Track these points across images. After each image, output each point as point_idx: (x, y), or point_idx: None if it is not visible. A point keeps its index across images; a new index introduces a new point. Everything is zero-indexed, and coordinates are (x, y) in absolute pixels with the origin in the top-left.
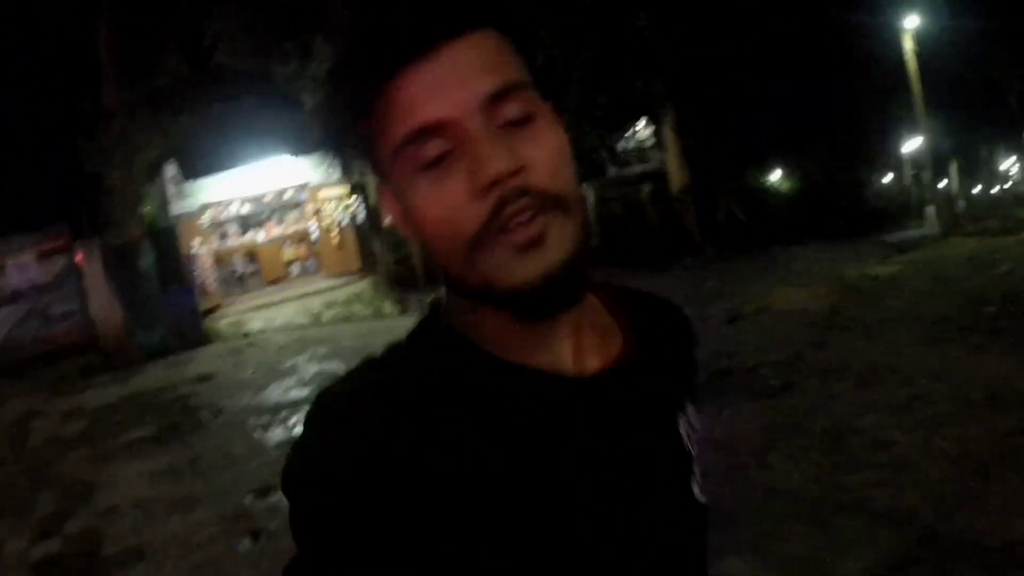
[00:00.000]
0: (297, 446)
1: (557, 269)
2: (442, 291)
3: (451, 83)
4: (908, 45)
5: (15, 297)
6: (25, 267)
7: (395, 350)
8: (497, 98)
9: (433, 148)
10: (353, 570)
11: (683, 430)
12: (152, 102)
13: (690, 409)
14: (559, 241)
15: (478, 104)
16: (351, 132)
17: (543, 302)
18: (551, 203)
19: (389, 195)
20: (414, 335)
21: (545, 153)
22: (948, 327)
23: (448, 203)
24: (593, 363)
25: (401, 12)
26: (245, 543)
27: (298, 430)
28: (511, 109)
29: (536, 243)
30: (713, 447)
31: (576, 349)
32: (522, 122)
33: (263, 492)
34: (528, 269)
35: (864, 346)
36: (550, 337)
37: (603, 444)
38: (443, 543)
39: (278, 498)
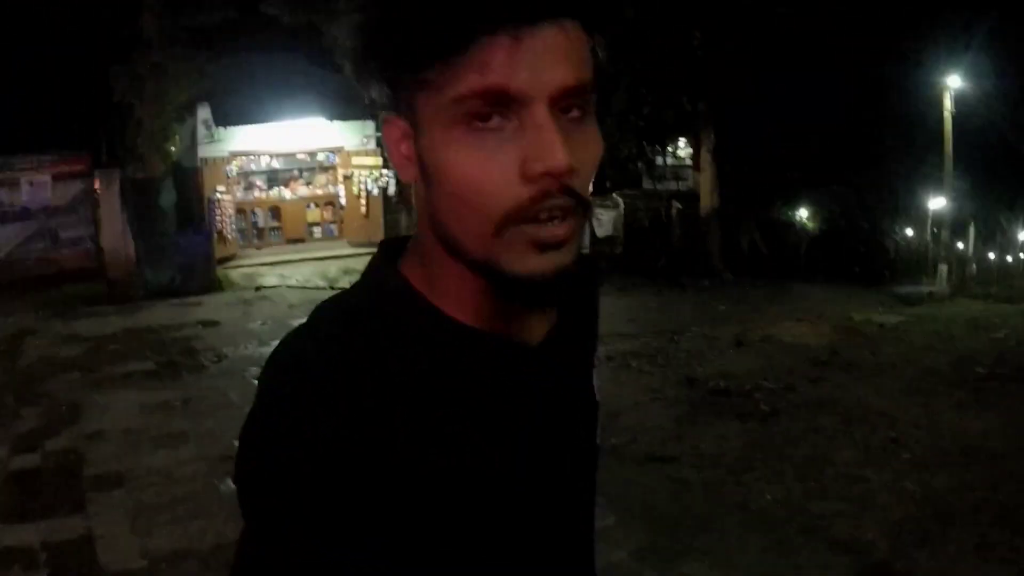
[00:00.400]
0: (266, 414)
1: (566, 270)
2: (407, 236)
3: (540, 61)
4: (947, 104)
5: (25, 214)
6: (40, 186)
7: (351, 306)
8: (570, 93)
9: (492, 111)
10: (329, 548)
11: (595, 383)
12: (193, 39)
13: (597, 360)
14: (574, 245)
15: (554, 92)
16: (410, 59)
17: (542, 294)
18: (580, 207)
19: (400, 128)
20: (370, 288)
21: (589, 159)
22: (937, 381)
23: (491, 173)
24: (540, 331)
25: None
26: (228, 484)
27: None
28: (576, 106)
29: (558, 245)
30: (697, 459)
31: (532, 320)
32: (578, 122)
33: None
34: (542, 265)
35: (855, 387)
36: (517, 309)
37: (551, 403)
38: (416, 504)
39: None
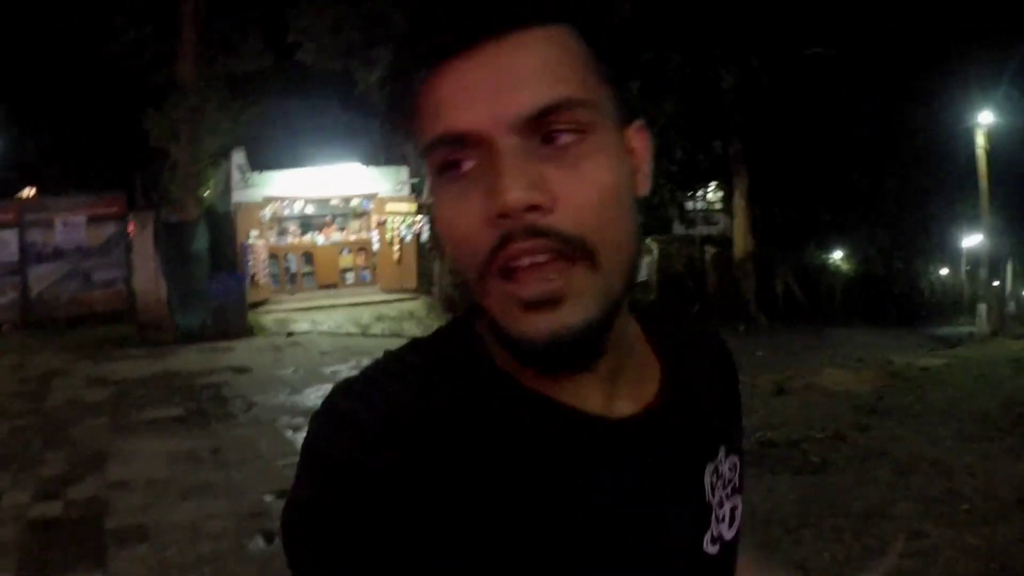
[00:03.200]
0: (309, 455)
1: (569, 334)
2: None
3: (488, 90)
4: (980, 141)
5: (58, 255)
6: (74, 227)
7: (418, 353)
8: (538, 118)
9: (458, 156)
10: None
11: (707, 480)
12: (228, 85)
13: (723, 455)
14: (579, 302)
15: (513, 121)
16: (401, 120)
17: (547, 361)
18: (574, 250)
19: None
20: (442, 339)
21: (583, 187)
22: (987, 426)
23: (464, 221)
24: (624, 405)
25: (451, 2)
26: (257, 542)
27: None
28: (559, 128)
29: (548, 303)
30: (750, 516)
31: (607, 390)
32: (566, 146)
33: (285, 494)
34: (533, 326)
35: (905, 435)
36: (580, 376)
37: (619, 491)
38: (443, 557)
39: None
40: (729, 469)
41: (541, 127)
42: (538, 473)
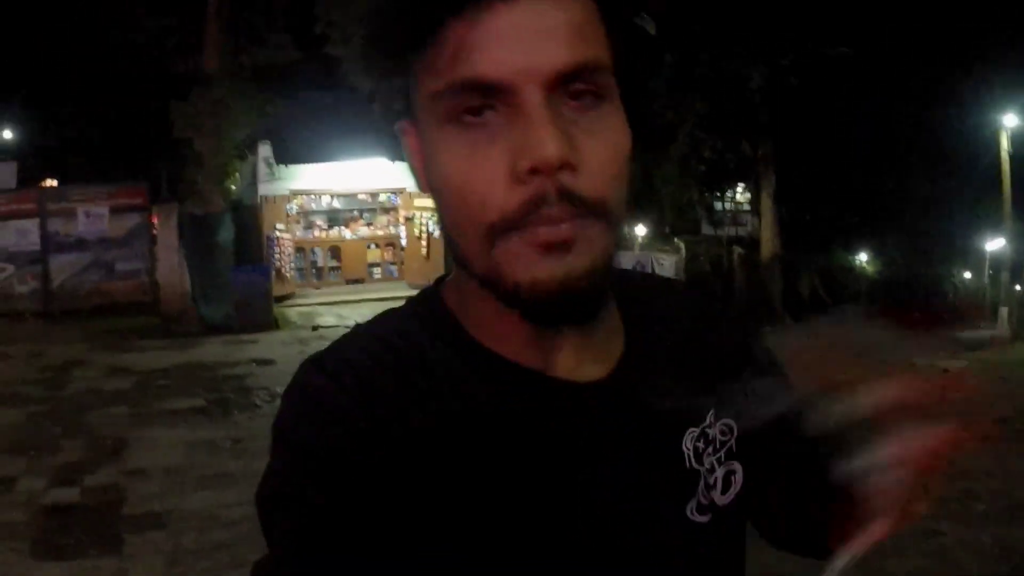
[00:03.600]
0: (278, 433)
1: (578, 277)
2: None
3: (524, 42)
4: (1004, 145)
5: (81, 245)
6: (96, 217)
7: (387, 326)
8: (571, 76)
9: (479, 104)
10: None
11: (688, 445)
12: (254, 76)
13: (712, 418)
14: (587, 249)
15: (546, 77)
16: (396, 56)
17: (554, 309)
18: (590, 210)
19: (414, 136)
20: (409, 311)
21: (602, 150)
22: (1006, 429)
23: (480, 175)
24: (592, 369)
25: None
26: None
27: None
28: (580, 90)
29: (562, 246)
30: None
31: (577, 354)
32: (587, 108)
33: None
34: (547, 270)
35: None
36: (552, 340)
37: (591, 458)
38: (414, 534)
39: None
40: (721, 433)
41: (568, 86)
42: (513, 446)
